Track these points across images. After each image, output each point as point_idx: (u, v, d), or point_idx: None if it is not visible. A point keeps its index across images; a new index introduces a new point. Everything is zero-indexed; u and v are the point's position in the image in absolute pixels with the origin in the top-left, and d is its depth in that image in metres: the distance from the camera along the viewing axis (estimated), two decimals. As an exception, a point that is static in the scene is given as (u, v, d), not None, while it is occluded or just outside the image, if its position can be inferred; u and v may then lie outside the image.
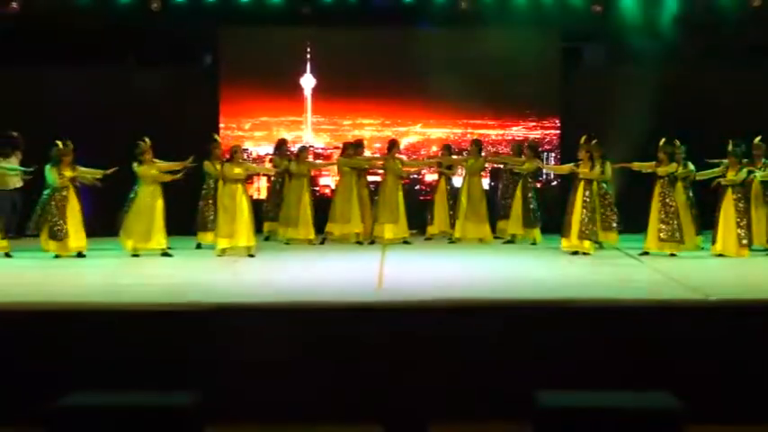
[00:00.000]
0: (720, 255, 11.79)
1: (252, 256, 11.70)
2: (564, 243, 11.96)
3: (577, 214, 11.80)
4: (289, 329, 8.14)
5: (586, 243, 11.81)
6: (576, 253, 11.82)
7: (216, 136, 12.57)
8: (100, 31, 13.24)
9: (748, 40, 13.45)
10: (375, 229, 12.99)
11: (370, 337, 8.09)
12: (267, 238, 13.27)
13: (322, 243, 12.92)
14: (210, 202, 12.41)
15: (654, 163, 11.88)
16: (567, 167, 12.25)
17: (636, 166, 12.09)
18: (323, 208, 13.10)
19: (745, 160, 11.95)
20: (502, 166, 13.64)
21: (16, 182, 12.77)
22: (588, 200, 11.79)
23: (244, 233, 11.70)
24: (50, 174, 11.69)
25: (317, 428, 7.65)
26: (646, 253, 11.80)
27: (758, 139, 12.12)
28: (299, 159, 12.90)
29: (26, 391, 7.60)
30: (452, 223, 13.20)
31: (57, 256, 11.66)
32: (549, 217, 13.00)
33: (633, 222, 12.45)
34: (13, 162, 12.79)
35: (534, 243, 12.88)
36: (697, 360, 7.98)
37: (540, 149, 13.56)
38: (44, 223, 11.76)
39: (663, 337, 8.11)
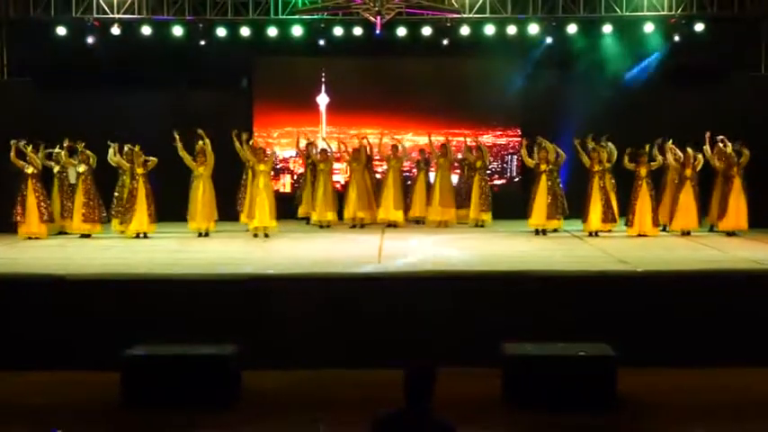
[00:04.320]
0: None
1: (266, 236, 11.54)
2: (530, 222, 11.87)
3: (542, 199, 11.78)
4: (311, 294, 8.20)
5: (553, 221, 11.80)
6: (538, 232, 11.77)
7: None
8: (159, 62, 13.27)
9: (682, 64, 13.36)
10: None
11: (372, 300, 8.15)
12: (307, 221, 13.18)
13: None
14: (245, 192, 12.34)
15: (588, 161, 11.84)
16: (531, 161, 12.14)
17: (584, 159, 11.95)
18: (338, 197, 13.12)
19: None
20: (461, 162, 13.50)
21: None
22: (551, 187, 11.76)
23: (265, 215, 11.58)
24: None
25: (341, 373, 7.60)
26: (593, 233, 11.67)
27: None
28: (319, 158, 12.90)
29: (107, 343, 7.63)
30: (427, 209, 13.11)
31: (127, 237, 11.63)
32: (513, 205, 12.98)
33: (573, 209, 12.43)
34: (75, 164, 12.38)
35: (482, 225, 12.74)
36: (627, 317, 8.05)
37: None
38: (117, 210, 11.88)
39: (600, 300, 8.17)
